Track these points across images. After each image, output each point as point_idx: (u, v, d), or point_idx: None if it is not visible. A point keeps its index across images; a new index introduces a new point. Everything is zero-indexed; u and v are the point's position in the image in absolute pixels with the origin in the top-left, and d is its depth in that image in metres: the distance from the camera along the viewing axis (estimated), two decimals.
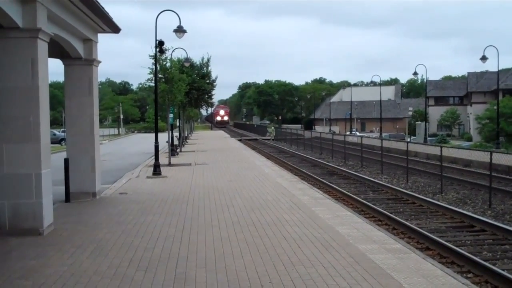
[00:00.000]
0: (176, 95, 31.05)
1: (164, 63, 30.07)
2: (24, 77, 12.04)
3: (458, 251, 12.06)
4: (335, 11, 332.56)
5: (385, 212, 17.11)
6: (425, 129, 69.95)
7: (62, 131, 62.62)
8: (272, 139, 73.99)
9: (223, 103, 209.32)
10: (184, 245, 11.02)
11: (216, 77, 50.76)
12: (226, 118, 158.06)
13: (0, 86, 12.11)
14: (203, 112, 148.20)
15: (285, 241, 11.21)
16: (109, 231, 12.51)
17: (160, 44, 26.43)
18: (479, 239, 14.23)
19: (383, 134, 75.36)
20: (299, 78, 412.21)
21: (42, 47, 12.42)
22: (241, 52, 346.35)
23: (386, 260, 9.57)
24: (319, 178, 26.70)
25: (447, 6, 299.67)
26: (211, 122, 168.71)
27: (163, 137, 37.71)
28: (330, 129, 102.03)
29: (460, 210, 17.28)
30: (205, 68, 48.36)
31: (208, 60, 48.73)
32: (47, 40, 12.74)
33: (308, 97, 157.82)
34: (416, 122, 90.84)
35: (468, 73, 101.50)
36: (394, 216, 16.36)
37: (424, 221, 16.61)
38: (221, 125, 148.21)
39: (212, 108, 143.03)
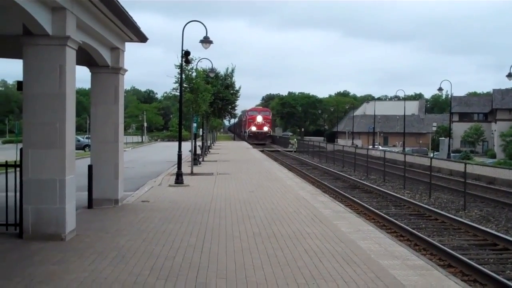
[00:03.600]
0: (201, 105, 31.22)
1: (190, 73, 30.24)
2: (52, 84, 12.16)
3: (481, 269, 11.94)
4: (357, 25, 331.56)
5: (407, 227, 17.00)
6: (449, 145, 69.44)
7: (87, 138, 63.27)
8: (294, 151, 73.94)
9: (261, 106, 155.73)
10: (205, 254, 11.02)
11: (240, 88, 50.97)
12: (266, 128, 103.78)
13: (28, 92, 12.26)
14: (226, 122, 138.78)
15: (306, 254, 11.16)
16: (130, 238, 12.55)
17: (186, 54, 26.58)
18: (502, 257, 14.08)
19: (406, 149, 74.99)
20: (322, 90, 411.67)
21: (71, 54, 12.55)
22: (264, 63, 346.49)
23: (407, 277, 9.48)
24: (341, 192, 26.63)
25: (472, 21, 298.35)
26: (234, 132, 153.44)
27: (186, 146, 37.86)
28: (352, 142, 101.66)
29: (483, 228, 17.11)
30: (229, 79, 48.66)
31: (233, 70, 49.01)
32: (76, 48, 12.87)
33: (331, 110, 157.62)
34: (440, 138, 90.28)
35: (493, 89, 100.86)
36: (416, 232, 16.25)
37: (447, 237, 16.47)
38: (258, 140, 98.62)
39: (240, 114, 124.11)
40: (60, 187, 12.17)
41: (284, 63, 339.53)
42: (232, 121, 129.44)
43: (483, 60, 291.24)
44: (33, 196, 12.17)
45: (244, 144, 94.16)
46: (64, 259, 10.52)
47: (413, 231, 16.44)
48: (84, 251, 11.17)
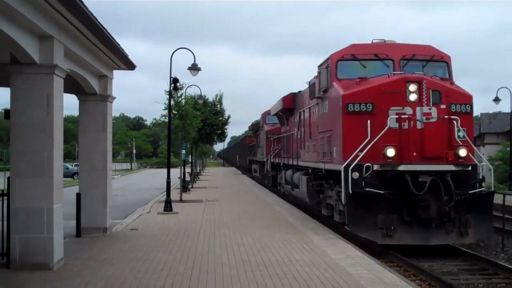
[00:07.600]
0: (190, 131, 31.23)
1: (179, 99, 30.25)
2: (39, 112, 12.15)
3: None
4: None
5: (396, 253, 16.93)
6: None
7: (75, 165, 63.02)
8: None
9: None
10: (194, 283, 10.95)
11: (229, 116, 50.99)
12: (463, 152, 16.15)
13: (16, 120, 12.25)
14: (217, 147, 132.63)
15: (295, 281, 11.11)
16: (119, 267, 12.47)
17: (174, 81, 26.65)
18: (492, 282, 14.03)
19: None
20: None
21: (58, 83, 12.57)
22: (251, 89, 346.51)
23: None
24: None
25: (459, 45, 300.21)
26: (224, 158, 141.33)
27: (175, 172, 37.77)
28: None
29: (473, 253, 17.09)
30: (218, 106, 48.82)
31: (221, 97, 49.16)
32: (63, 76, 12.89)
33: None
34: None
35: (481, 113, 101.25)
36: (405, 258, 16.19)
37: (436, 263, 16.42)
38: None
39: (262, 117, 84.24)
40: (47, 216, 12.08)
41: (269, 88, 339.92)
42: (220, 146, 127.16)
43: (470, 84, 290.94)
44: (21, 225, 12.07)
45: (233, 169, 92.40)
46: None
47: (402, 256, 16.37)
48: (72, 281, 11.08)
